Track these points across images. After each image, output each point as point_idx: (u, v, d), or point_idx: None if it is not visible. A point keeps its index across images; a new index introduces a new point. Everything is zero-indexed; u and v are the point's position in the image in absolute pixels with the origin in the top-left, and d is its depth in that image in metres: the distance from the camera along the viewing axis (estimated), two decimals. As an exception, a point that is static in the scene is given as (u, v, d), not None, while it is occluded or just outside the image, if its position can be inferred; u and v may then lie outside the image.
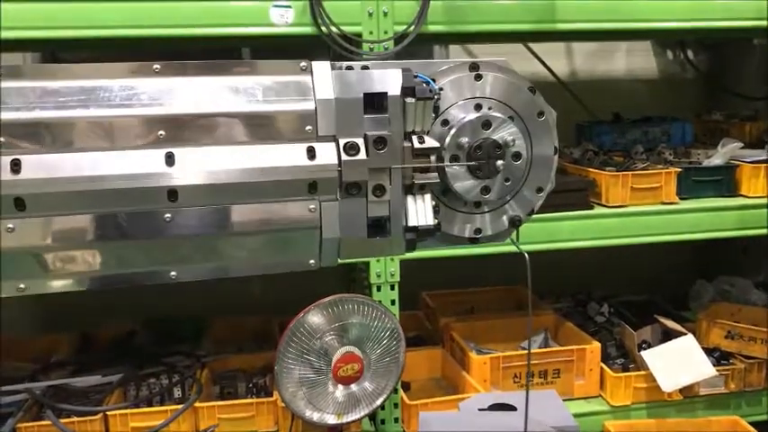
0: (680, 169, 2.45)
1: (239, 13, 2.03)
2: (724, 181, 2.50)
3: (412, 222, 1.04)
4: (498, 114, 1.05)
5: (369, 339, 1.91)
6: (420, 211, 1.04)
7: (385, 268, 2.24)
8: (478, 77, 1.05)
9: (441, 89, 1.04)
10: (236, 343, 2.73)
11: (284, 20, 2.02)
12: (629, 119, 3.03)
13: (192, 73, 0.91)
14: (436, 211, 1.07)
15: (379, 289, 2.25)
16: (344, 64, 0.99)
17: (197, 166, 0.91)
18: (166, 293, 2.65)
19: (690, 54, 3.43)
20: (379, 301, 2.12)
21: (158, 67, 0.90)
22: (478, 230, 1.13)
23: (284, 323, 1.91)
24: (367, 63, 0.99)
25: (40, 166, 0.84)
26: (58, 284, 0.93)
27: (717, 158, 2.55)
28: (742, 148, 2.61)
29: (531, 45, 3.01)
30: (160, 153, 0.90)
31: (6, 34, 1.92)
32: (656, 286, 3.20)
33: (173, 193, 0.91)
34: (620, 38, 3.24)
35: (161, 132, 0.90)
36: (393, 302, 2.26)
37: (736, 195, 2.50)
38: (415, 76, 0.99)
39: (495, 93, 1.06)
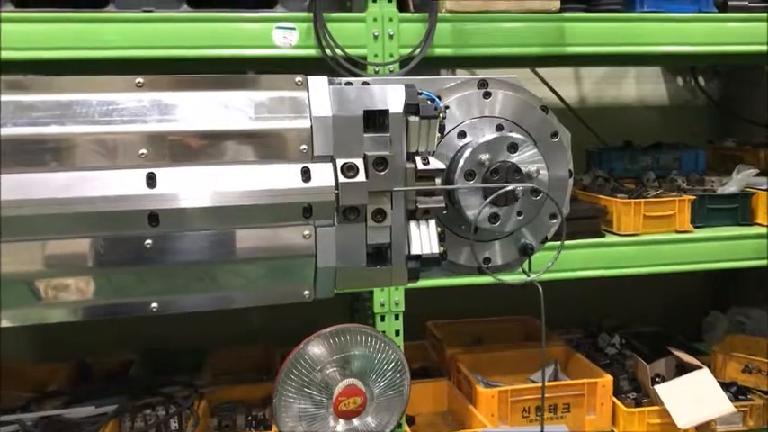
0: (694, 197, 2.39)
1: (242, 35, 1.99)
2: (739, 209, 2.43)
3: (415, 250, 0.97)
4: (519, 136, 0.99)
5: (372, 372, 1.83)
6: (424, 239, 0.97)
7: (389, 297, 2.17)
8: (487, 95, 0.99)
9: (447, 107, 0.97)
10: (237, 373, 2.66)
11: (288, 42, 1.98)
12: (640, 145, 2.98)
13: (178, 88, 0.85)
14: (442, 238, 1.00)
15: (383, 319, 2.18)
16: (343, 80, 0.93)
17: (181, 188, 0.84)
18: (167, 323, 2.60)
19: (701, 81, 3.38)
20: (383, 332, 2.04)
21: (141, 81, 0.83)
22: (487, 259, 1.06)
23: (286, 353, 1.84)
24: (367, 79, 0.93)
25: (9, 186, 0.78)
26: (27, 316, 0.86)
27: (732, 186, 2.48)
28: (757, 175, 2.55)
29: (539, 71, 2.97)
30: (141, 173, 0.83)
31: (5, 55, 1.88)
32: (667, 317, 3.12)
33: (154, 218, 0.85)
34: (630, 63, 3.20)
35: (143, 151, 0.84)
36: (397, 333, 2.19)
37: (751, 224, 2.44)
38: (419, 93, 0.93)
39: (506, 112, 1.00)
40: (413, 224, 0.96)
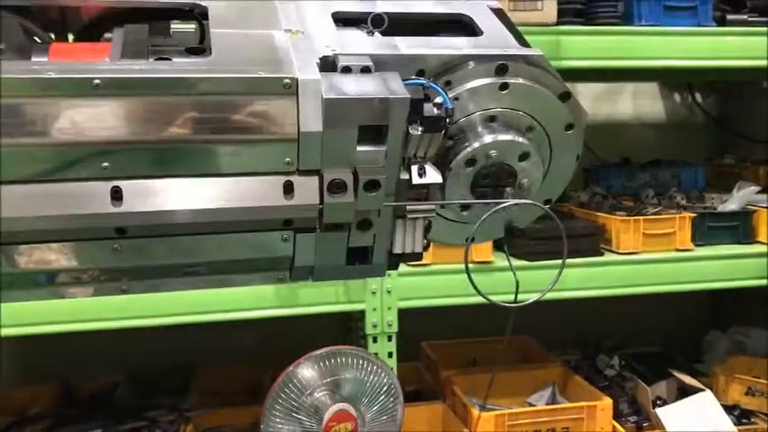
0: (694, 214, 2.34)
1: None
2: (740, 227, 2.39)
3: (397, 249, 0.89)
4: (522, 140, 0.91)
5: (364, 396, 1.77)
6: (408, 239, 0.89)
7: (382, 318, 2.11)
8: (504, 87, 0.88)
9: (456, 98, 0.87)
10: (226, 395, 2.58)
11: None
12: (638, 162, 2.94)
13: (143, 91, 0.75)
14: (427, 229, 0.92)
15: (375, 340, 2.12)
16: (341, 63, 0.81)
17: (149, 204, 0.77)
18: (154, 342, 2.53)
19: (698, 97, 3.34)
20: (376, 354, 1.98)
21: (99, 81, 0.73)
22: (472, 239, 0.99)
23: (276, 375, 1.77)
24: (369, 63, 0.82)
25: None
26: None
27: (732, 203, 2.44)
28: (757, 192, 2.50)
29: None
30: (105, 187, 0.75)
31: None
32: (666, 336, 3.06)
33: (120, 230, 0.78)
34: (628, 78, 3.16)
35: (105, 164, 0.75)
36: (390, 355, 2.13)
37: (753, 242, 2.39)
38: (427, 87, 0.83)
39: (522, 105, 0.90)
40: (399, 223, 0.89)
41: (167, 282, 0.86)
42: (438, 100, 0.83)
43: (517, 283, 1.00)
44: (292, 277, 0.89)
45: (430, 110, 0.82)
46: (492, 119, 0.90)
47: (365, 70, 0.82)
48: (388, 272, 0.95)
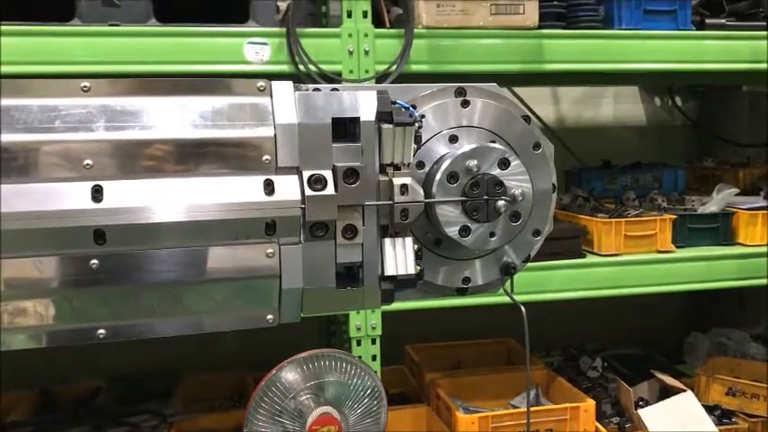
0: (675, 216, 2.36)
1: (212, 50, 1.94)
2: (720, 228, 2.41)
3: (389, 271, 0.89)
4: (498, 146, 0.92)
5: (347, 399, 1.76)
6: (399, 258, 0.89)
7: (366, 321, 2.10)
8: (465, 104, 0.92)
9: (422, 116, 0.90)
10: (209, 400, 2.57)
11: (259, 57, 1.93)
12: (619, 165, 2.96)
13: (128, 93, 0.76)
14: (419, 256, 0.92)
15: (359, 343, 2.11)
16: (311, 86, 0.85)
17: (130, 202, 0.76)
18: (136, 348, 2.51)
19: (678, 101, 3.38)
20: (359, 357, 1.98)
21: (87, 85, 0.75)
22: (467, 279, 0.99)
23: (259, 379, 1.77)
24: (337, 86, 0.86)
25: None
26: None
27: (712, 205, 2.46)
28: (737, 194, 2.52)
29: (517, 90, 2.94)
30: (86, 186, 0.75)
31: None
32: (647, 338, 3.08)
33: (100, 235, 0.77)
34: (609, 81, 3.19)
35: (88, 162, 0.76)
36: (374, 358, 2.12)
37: (733, 244, 2.41)
38: (393, 103, 0.86)
39: (485, 122, 0.93)
40: (387, 242, 0.89)
41: (145, 326, 0.84)
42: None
43: (512, 281, 1.01)
44: (281, 314, 0.87)
45: (399, 112, 0.86)
46: (458, 137, 0.94)
47: (334, 90, 0.87)
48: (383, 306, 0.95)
